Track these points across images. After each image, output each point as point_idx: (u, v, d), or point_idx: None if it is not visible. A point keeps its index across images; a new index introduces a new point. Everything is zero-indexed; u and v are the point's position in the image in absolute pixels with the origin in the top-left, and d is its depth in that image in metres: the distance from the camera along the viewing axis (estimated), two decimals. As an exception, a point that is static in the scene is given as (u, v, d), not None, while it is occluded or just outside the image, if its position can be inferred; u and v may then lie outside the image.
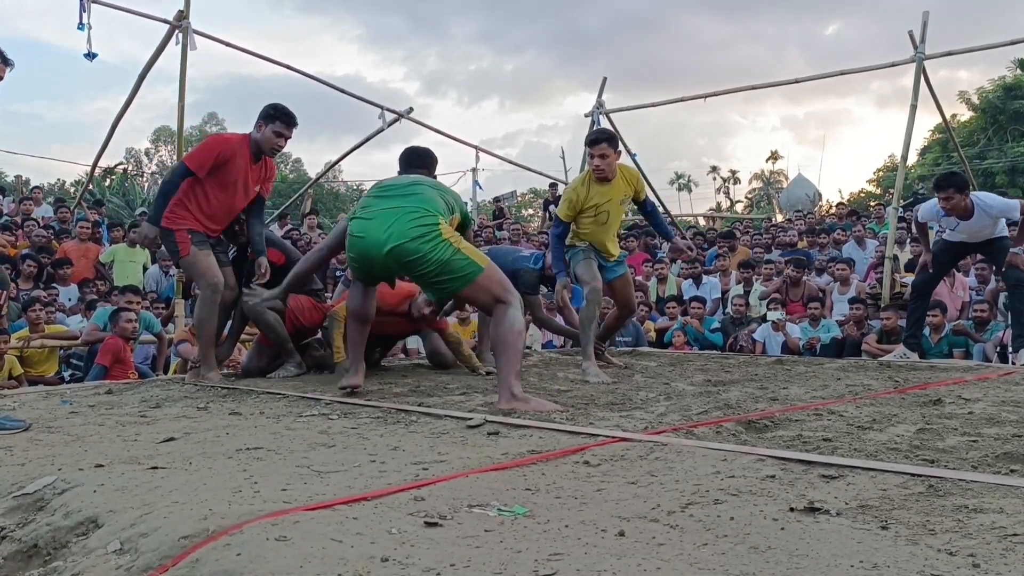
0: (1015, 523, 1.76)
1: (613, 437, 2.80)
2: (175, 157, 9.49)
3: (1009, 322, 7.23)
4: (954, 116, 31.03)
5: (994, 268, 7.09)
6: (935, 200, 6.28)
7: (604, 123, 11.48)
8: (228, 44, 9.59)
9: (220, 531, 1.80)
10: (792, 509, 1.92)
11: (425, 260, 3.82)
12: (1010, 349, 6.58)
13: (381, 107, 10.35)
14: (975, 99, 30.22)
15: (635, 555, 1.64)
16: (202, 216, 4.99)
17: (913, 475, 2.19)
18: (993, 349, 7.37)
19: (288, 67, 10.75)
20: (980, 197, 6.20)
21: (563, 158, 17.06)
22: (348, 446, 2.84)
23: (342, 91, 10.41)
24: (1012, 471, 2.29)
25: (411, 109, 11.15)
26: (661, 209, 14.03)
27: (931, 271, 6.65)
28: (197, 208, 4.97)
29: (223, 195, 5.03)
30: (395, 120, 10.79)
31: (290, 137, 5.16)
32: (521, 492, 2.19)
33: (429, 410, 3.51)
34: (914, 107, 9.04)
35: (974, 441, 2.78)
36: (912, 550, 1.63)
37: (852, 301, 8.72)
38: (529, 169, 15.24)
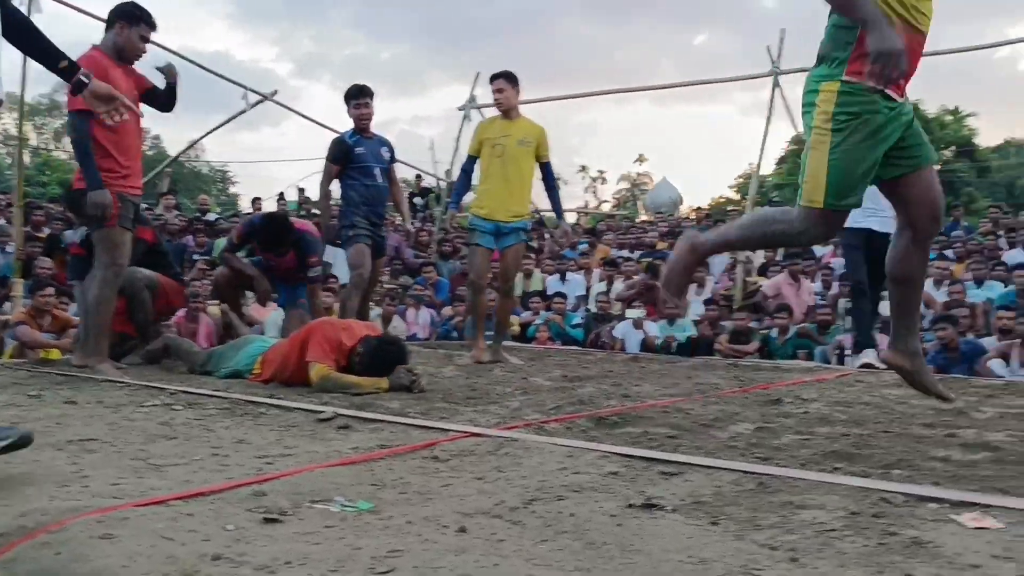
0: (833, 519, 1.86)
1: (464, 432, 2.81)
2: (19, 126, 8.89)
3: (848, 326, 7.67)
4: (809, 129, 32.72)
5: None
6: None
7: (477, 117, 11.50)
8: (79, 9, 9.02)
9: (39, 528, 1.70)
10: (630, 505, 1.97)
11: None
12: (848, 352, 6.98)
13: (245, 87, 10.04)
14: (828, 114, 31.95)
15: (474, 551, 1.65)
16: (122, 167, 4.41)
17: (745, 472, 2.29)
18: (833, 352, 7.80)
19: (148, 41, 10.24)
20: None
21: (432, 149, 16.94)
22: (190, 438, 2.74)
23: (204, 68, 10.02)
24: (836, 469, 2.42)
25: (275, 91, 10.85)
26: (532, 207, 14.20)
27: (853, 271, 6.43)
28: (116, 157, 4.38)
29: (127, 124, 4.24)
30: (259, 102, 10.48)
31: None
32: (367, 487, 2.16)
33: (279, 402, 3.43)
34: (769, 119, 9.49)
35: (807, 440, 2.93)
36: (738, 545, 1.70)
37: (707, 302, 9.05)
38: (398, 161, 15.05)
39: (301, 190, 15.71)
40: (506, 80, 5.69)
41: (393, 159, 6.15)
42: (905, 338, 2.99)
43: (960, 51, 10.63)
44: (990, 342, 7.14)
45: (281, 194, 14.50)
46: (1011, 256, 9.26)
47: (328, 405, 3.38)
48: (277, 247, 5.61)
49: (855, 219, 5.97)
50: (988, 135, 33.58)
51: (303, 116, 12.27)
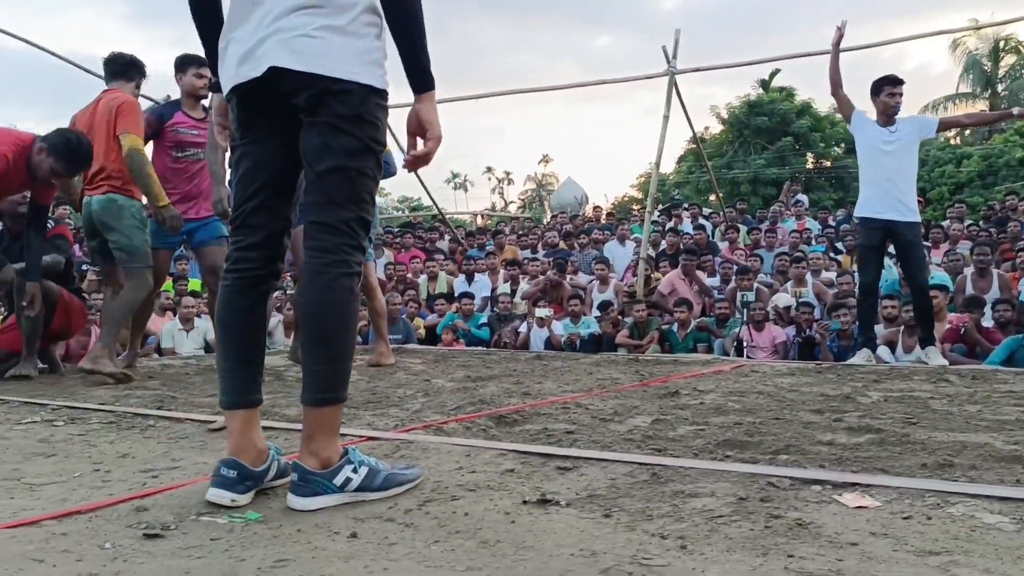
0: (722, 505, 1.90)
1: (361, 436, 2.76)
2: None
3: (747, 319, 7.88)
4: (707, 128, 33.62)
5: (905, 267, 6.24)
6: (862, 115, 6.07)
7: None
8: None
9: None
10: (525, 502, 1.97)
11: None
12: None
13: (135, 91, 9.63)
14: (724, 114, 32.83)
15: (364, 556, 1.61)
16: None
17: (639, 464, 2.31)
18: (731, 344, 8.01)
19: (29, 43, 9.84)
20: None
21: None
22: (70, 455, 2.61)
23: (89, 72, 9.60)
24: (727, 456, 2.47)
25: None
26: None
27: (864, 268, 6.19)
28: None
29: None
30: (151, 107, 10.08)
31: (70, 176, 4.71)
32: (258, 496, 2.10)
33: (169, 413, 3.31)
34: (666, 117, 9.67)
35: (701, 430, 2.99)
36: (629, 536, 1.71)
37: (603, 305, 9.14)
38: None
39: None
40: None
41: None
42: None
43: (847, 50, 11.00)
44: (879, 330, 7.45)
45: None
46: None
47: (221, 415, 3.27)
48: None
49: (873, 209, 5.83)
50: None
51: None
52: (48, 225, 5.29)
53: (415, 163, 2.11)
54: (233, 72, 2.05)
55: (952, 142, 32.68)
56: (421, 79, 2.06)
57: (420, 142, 2.11)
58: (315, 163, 2.02)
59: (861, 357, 5.88)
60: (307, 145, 2.04)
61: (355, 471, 2.02)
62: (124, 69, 5.06)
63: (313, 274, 2.03)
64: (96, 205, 4.76)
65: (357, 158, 2.02)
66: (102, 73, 5.24)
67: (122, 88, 4.97)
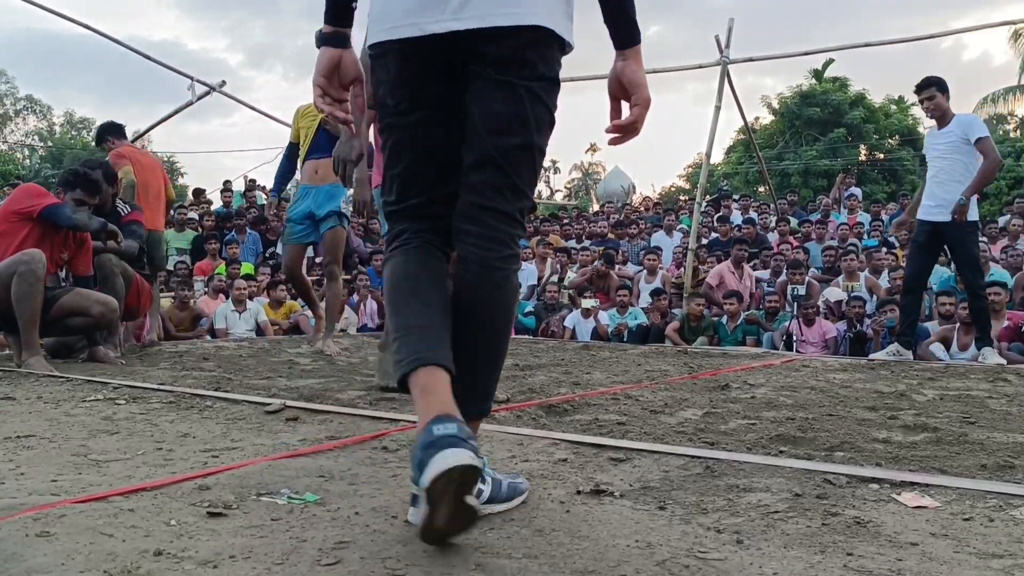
0: (777, 501, 1.89)
1: (414, 422, 2.79)
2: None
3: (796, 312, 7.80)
4: (757, 119, 33.16)
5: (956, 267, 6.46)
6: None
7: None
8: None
9: (-28, 528, 1.65)
10: (579, 492, 1.98)
11: None
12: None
13: (191, 78, 9.82)
14: (776, 104, 32.33)
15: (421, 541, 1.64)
16: None
17: (693, 457, 2.31)
18: (780, 337, 7.93)
19: (89, 28, 10.03)
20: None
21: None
22: (133, 433, 2.68)
23: (149, 58, 9.80)
24: (781, 452, 2.46)
25: (224, 82, 10.65)
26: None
27: (907, 264, 6.37)
28: None
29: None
30: (206, 93, 10.27)
31: (93, 204, 4.90)
32: (315, 479, 2.14)
33: (226, 395, 3.37)
34: (718, 108, 9.58)
35: (753, 424, 2.98)
36: (684, 528, 1.71)
37: (655, 293, 9.09)
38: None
39: (252, 181, 15.50)
40: None
41: None
42: None
43: (904, 41, 10.77)
44: (933, 327, 7.32)
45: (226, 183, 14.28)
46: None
47: (276, 397, 3.34)
48: None
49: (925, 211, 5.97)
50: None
51: (251, 108, 12.13)
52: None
53: (621, 134, 1.74)
54: (403, 19, 1.65)
55: (1012, 135, 31.85)
56: (627, 31, 1.72)
57: (624, 108, 1.76)
58: (499, 134, 1.64)
59: (886, 352, 6.11)
60: (492, 110, 1.64)
61: (483, 481, 1.78)
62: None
63: (486, 269, 1.68)
64: (153, 236, 5.96)
65: (545, 134, 1.70)
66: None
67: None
